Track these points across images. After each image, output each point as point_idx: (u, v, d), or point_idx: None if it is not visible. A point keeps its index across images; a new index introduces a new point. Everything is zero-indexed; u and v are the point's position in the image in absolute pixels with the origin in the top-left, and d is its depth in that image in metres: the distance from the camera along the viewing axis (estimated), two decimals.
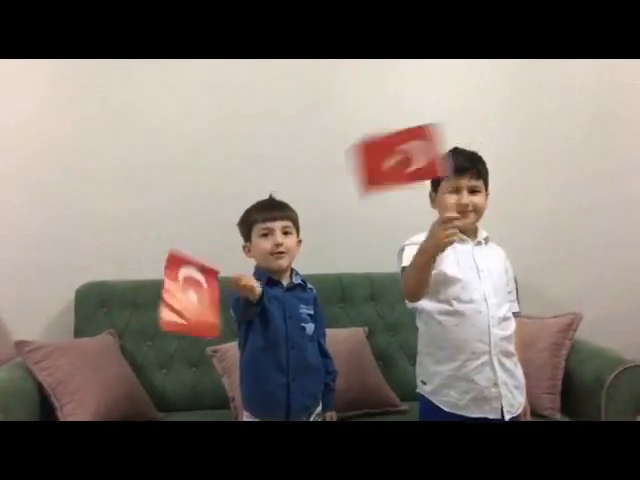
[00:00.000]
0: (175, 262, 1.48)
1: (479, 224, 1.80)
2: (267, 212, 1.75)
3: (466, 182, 1.72)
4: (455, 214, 1.52)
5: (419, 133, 1.49)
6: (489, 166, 1.80)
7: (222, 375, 2.23)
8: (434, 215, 1.79)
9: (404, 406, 2.27)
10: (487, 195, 1.78)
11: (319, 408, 1.78)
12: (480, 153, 1.79)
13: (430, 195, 1.80)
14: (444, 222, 1.49)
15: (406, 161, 1.48)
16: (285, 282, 1.76)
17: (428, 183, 1.78)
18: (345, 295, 2.54)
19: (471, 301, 1.67)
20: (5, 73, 2.48)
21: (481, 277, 1.70)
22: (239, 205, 1.83)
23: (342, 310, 2.52)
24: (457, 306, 1.67)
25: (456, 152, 1.76)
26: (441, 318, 1.68)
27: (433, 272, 1.61)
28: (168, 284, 1.46)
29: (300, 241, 1.81)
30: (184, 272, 1.49)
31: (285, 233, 1.74)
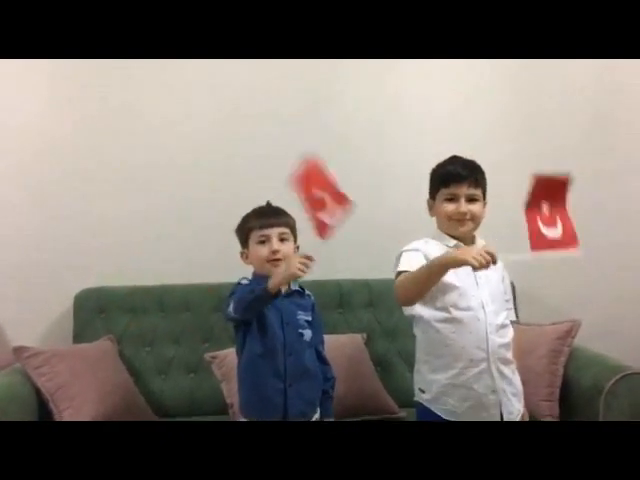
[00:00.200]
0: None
1: (479, 230, 1.80)
2: (264, 219, 1.75)
3: (464, 190, 1.72)
4: (495, 255, 1.49)
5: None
6: (488, 167, 1.80)
7: (221, 381, 2.22)
8: (432, 222, 1.79)
9: (402, 413, 2.27)
10: (485, 204, 1.78)
11: (317, 415, 1.77)
12: (480, 154, 1.79)
13: (428, 202, 1.80)
14: (486, 251, 1.47)
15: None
16: (283, 288, 1.75)
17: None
18: (344, 301, 2.53)
19: (469, 308, 1.66)
20: (5, 73, 2.48)
21: (479, 284, 1.69)
22: (239, 206, 1.83)
23: (341, 316, 2.51)
24: (455, 313, 1.66)
25: (454, 160, 1.76)
26: (439, 325, 1.67)
27: None
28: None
29: (297, 247, 1.81)
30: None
31: (282, 240, 1.74)
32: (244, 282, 1.72)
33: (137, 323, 2.43)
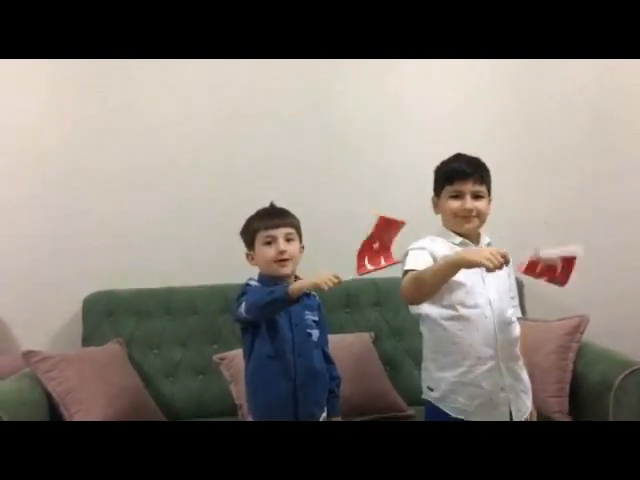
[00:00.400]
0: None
1: (486, 227, 1.80)
2: (269, 220, 1.75)
3: (469, 187, 1.71)
4: (507, 256, 1.49)
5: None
6: (489, 166, 1.79)
7: (229, 382, 2.22)
8: (438, 220, 1.79)
9: (411, 411, 2.27)
10: (490, 201, 1.78)
11: (324, 414, 1.77)
12: (480, 154, 1.79)
13: (433, 200, 1.80)
14: (500, 253, 1.46)
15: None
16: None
17: None
18: (351, 300, 2.53)
19: (476, 306, 1.66)
20: (5, 73, 2.48)
21: (485, 282, 1.69)
22: (240, 206, 1.83)
23: (348, 315, 2.51)
24: (462, 311, 1.65)
25: (459, 158, 1.76)
26: (446, 323, 1.66)
27: None
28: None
29: (303, 247, 1.81)
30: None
31: (288, 240, 1.74)
32: (253, 283, 1.72)
33: (145, 326, 2.43)
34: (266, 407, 1.70)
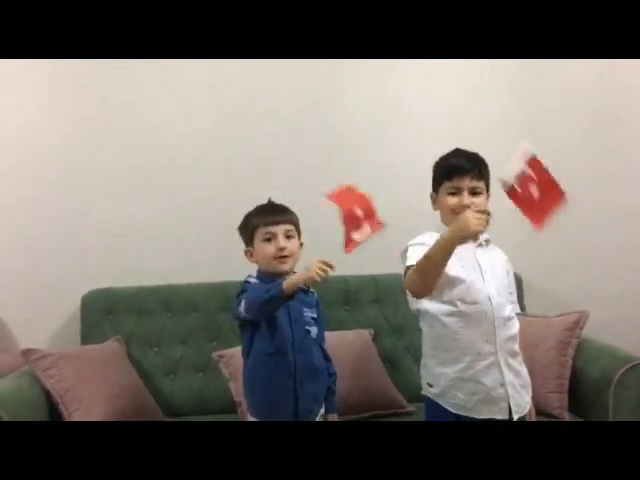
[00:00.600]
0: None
1: None
2: (269, 216, 1.75)
3: (467, 183, 1.71)
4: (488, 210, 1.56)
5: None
6: (489, 166, 1.79)
7: (229, 380, 2.22)
8: (434, 218, 1.79)
9: (411, 407, 2.27)
10: (488, 196, 1.78)
11: (322, 410, 1.78)
12: (480, 154, 1.79)
13: (431, 196, 1.80)
14: (480, 211, 1.53)
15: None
16: None
17: None
18: (350, 297, 2.53)
19: (475, 302, 1.67)
20: (5, 73, 2.48)
21: (485, 278, 1.70)
22: (240, 205, 1.83)
23: (347, 312, 2.52)
24: (461, 307, 1.66)
25: (457, 153, 1.76)
26: (445, 320, 1.67)
27: None
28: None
29: (302, 244, 1.81)
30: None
31: (288, 237, 1.74)
32: (252, 280, 1.72)
33: (144, 324, 2.43)
34: (266, 404, 1.70)
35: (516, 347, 1.72)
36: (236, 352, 2.07)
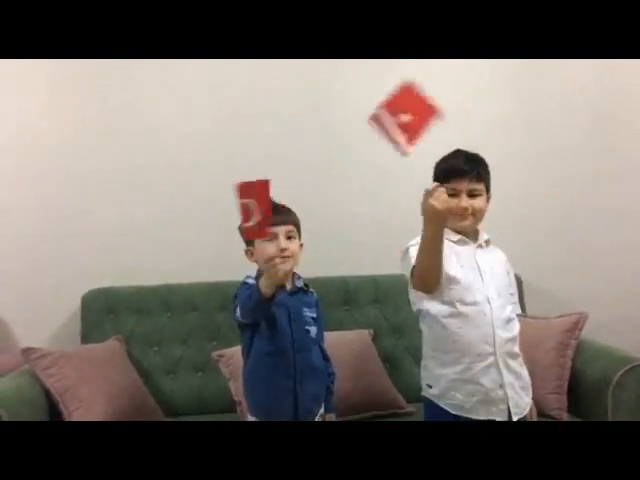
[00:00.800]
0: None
1: (481, 226, 1.80)
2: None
3: (465, 185, 1.71)
4: (436, 184, 1.53)
5: (406, 90, 1.55)
6: (489, 166, 1.79)
7: (228, 379, 2.23)
8: None
9: (411, 408, 2.27)
10: (489, 198, 1.77)
11: (321, 410, 1.78)
12: (480, 154, 1.79)
13: None
14: (430, 194, 1.50)
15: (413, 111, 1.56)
16: (288, 286, 1.76)
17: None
18: (350, 297, 2.54)
19: (475, 303, 1.67)
20: (5, 73, 2.48)
21: (484, 279, 1.70)
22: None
23: (347, 312, 2.52)
24: (461, 308, 1.66)
25: (457, 154, 1.76)
26: (445, 321, 1.67)
27: None
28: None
29: (302, 245, 1.81)
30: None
31: (289, 238, 1.74)
32: (250, 281, 1.72)
33: (144, 323, 2.44)
34: (265, 404, 1.70)
35: (516, 348, 1.71)
36: (236, 352, 2.08)
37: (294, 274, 1.80)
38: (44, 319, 2.51)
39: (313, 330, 1.75)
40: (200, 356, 2.40)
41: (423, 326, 1.76)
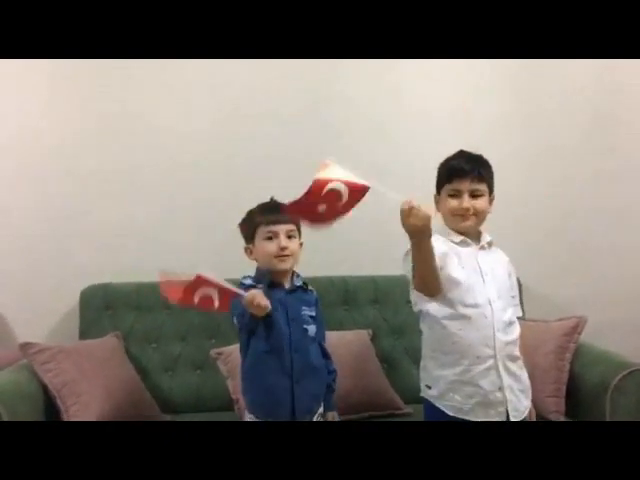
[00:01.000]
0: (198, 283, 1.53)
1: (483, 228, 1.79)
2: (272, 215, 1.75)
3: (467, 186, 1.71)
4: (407, 202, 1.52)
5: (321, 184, 1.57)
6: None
7: (227, 377, 2.23)
8: (439, 218, 1.79)
9: (408, 409, 2.27)
10: (492, 198, 1.77)
11: (321, 409, 1.78)
12: (480, 154, 1.79)
13: (435, 198, 1.80)
14: (407, 214, 1.49)
15: (336, 196, 1.56)
16: (287, 285, 1.76)
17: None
18: (349, 298, 2.54)
19: (476, 305, 1.66)
20: (5, 73, 2.48)
21: (485, 281, 1.69)
22: (240, 205, 1.83)
23: (346, 313, 2.52)
24: (462, 310, 1.66)
25: (460, 155, 1.76)
26: (445, 322, 1.67)
27: None
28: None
29: (301, 244, 1.81)
30: (202, 291, 1.54)
31: (289, 237, 1.75)
32: (247, 282, 1.72)
33: (143, 320, 2.43)
34: (263, 402, 1.70)
35: (516, 351, 1.71)
36: (234, 350, 2.08)
37: (293, 273, 1.80)
38: (42, 314, 2.51)
39: (312, 329, 1.75)
40: (198, 354, 2.40)
41: (423, 327, 1.76)
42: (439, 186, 1.77)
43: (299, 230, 1.80)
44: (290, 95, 2.63)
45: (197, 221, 2.60)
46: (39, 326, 2.49)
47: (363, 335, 2.42)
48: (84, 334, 2.41)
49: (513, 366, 1.69)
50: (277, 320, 1.68)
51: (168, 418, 2.27)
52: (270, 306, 1.55)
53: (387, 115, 2.70)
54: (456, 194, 1.72)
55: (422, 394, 1.76)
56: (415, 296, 1.74)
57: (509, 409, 1.66)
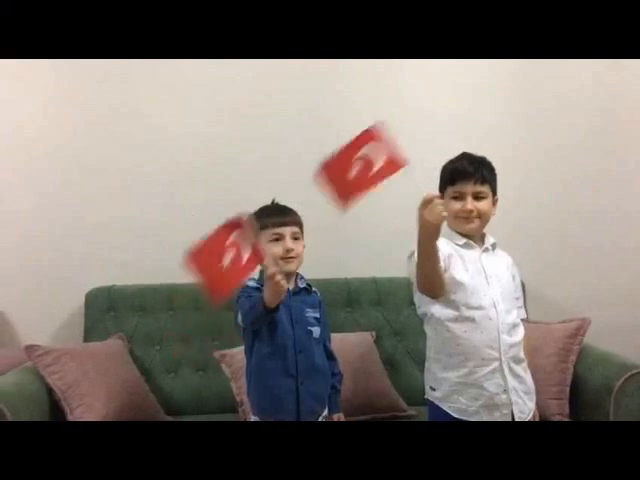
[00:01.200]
0: (236, 225, 1.52)
1: (486, 230, 1.79)
2: (277, 217, 1.76)
3: (470, 188, 1.71)
4: (433, 194, 1.51)
5: (368, 136, 1.51)
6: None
7: (230, 379, 2.22)
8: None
9: (411, 411, 2.26)
10: (495, 201, 1.77)
11: (326, 411, 1.78)
12: (480, 154, 1.79)
13: None
14: (426, 204, 1.48)
15: (367, 165, 1.52)
16: (291, 287, 1.76)
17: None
18: (352, 299, 2.53)
19: (480, 307, 1.66)
20: (5, 73, 2.48)
21: (489, 283, 1.69)
22: (240, 205, 1.83)
23: (349, 314, 2.51)
24: (466, 312, 1.66)
25: (463, 157, 1.76)
26: (450, 324, 1.67)
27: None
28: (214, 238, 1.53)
29: (304, 246, 1.82)
30: (237, 235, 1.52)
31: (294, 239, 1.75)
32: (251, 284, 1.72)
33: (147, 322, 2.44)
34: (268, 404, 1.70)
35: (521, 353, 1.71)
36: (238, 352, 2.07)
37: (297, 275, 1.80)
38: (47, 316, 2.52)
39: (316, 330, 1.75)
40: (202, 355, 2.40)
41: (428, 329, 1.75)
42: (442, 188, 1.77)
43: (302, 232, 1.80)
44: (290, 95, 2.63)
45: (198, 221, 2.59)
46: (44, 328, 2.50)
47: (366, 337, 2.41)
48: (88, 336, 2.42)
49: (518, 368, 1.69)
50: (281, 322, 1.68)
51: (171, 420, 2.27)
52: (286, 288, 1.54)
53: (387, 115, 2.68)
54: (459, 196, 1.72)
55: (426, 396, 1.76)
56: (418, 298, 1.74)
57: (514, 411, 1.66)
